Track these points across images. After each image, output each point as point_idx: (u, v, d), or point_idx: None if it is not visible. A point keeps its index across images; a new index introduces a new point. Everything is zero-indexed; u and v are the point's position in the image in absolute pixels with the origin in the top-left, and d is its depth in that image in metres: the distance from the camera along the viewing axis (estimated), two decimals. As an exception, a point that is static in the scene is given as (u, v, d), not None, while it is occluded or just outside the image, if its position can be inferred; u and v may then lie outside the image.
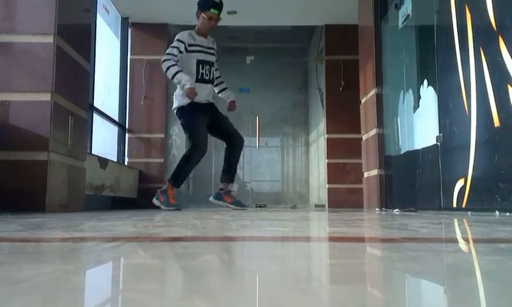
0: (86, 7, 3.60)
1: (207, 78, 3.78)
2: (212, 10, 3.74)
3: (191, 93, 3.57)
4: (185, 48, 3.68)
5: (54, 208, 2.89)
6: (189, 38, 3.71)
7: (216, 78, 3.97)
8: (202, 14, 3.77)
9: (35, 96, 2.86)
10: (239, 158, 3.96)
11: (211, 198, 3.93)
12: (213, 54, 3.88)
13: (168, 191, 3.70)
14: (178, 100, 3.74)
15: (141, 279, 0.54)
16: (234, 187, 3.88)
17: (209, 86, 3.83)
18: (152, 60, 6.02)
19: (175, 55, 3.62)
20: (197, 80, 3.71)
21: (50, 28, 2.92)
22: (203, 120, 3.73)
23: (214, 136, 4.00)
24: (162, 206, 3.65)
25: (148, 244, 0.91)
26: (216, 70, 3.96)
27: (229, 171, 3.92)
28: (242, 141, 3.94)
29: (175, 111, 3.81)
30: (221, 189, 3.90)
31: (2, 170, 2.75)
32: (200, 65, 3.75)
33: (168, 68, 3.58)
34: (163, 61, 3.61)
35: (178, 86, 3.69)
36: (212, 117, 3.81)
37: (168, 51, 3.67)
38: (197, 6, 3.82)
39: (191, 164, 3.77)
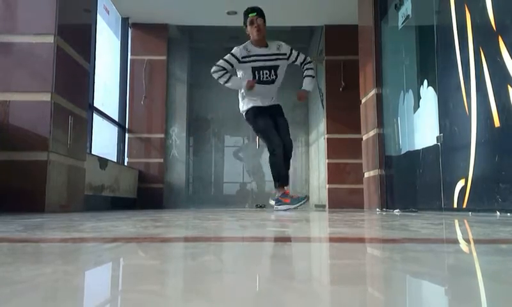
0: (86, 7, 3.60)
1: (266, 79, 3.97)
2: (250, 15, 4.00)
3: (250, 85, 3.83)
4: (238, 61, 3.94)
5: (54, 208, 2.88)
6: (243, 51, 3.96)
7: (303, 64, 4.17)
8: (247, 25, 4.04)
9: (35, 96, 2.86)
10: (288, 163, 4.07)
11: (274, 204, 4.00)
12: (276, 59, 4.03)
13: (285, 192, 3.89)
14: (242, 104, 4.01)
15: (141, 280, 0.54)
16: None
17: (270, 86, 4.00)
18: (152, 60, 6.02)
19: (224, 69, 3.88)
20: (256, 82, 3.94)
21: (51, 28, 2.92)
22: (267, 119, 3.94)
23: None
24: (292, 206, 3.80)
25: (148, 245, 0.91)
26: (304, 61, 4.16)
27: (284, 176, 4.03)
28: (291, 146, 4.10)
29: (244, 114, 4.06)
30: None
31: (1, 170, 2.75)
32: (256, 71, 3.96)
33: (219, 78, 3.90)
34: (212, 72, 3.90)
35: (238, 90, 3.97)
36: (272, 117, 3.99)
37: (218, 63, 3.92)
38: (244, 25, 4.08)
39: (278, 161, 3.94)
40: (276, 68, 4.01)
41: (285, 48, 4.11)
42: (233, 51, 3.95)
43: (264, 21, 4.05)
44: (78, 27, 3.43)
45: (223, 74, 3.87)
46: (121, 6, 5.68)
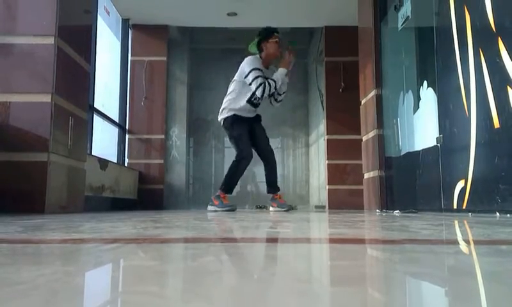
0: (87, 8, 3.60)
1: (255, 102, 3.97)
2: (276, 33, 4.05)
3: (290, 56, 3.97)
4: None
5: (54, 209, 2.88)
6: (260, 65, 3.94)
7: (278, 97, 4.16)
8: (269, 40, 4.01)
9: (35, 97, 2.86)
10: (275, 172, 4.10)
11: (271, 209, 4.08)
12: None
13: (221, 195, 3.93)
14: (224, 112, 4.00)
15: (141, 281, 0.54)
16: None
17: (255, 109, 4.04)
18: (152, 61, 6.03)
19: (263, 77, 3.85)
20: (248, 101, 3.93)
21: (51, 29, 2.92)
22: (244, 129, 3.96)
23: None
24: (218, 209, 3.85)
25: (147, 246, 0.91)
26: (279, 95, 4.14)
27: (270, 185, 4.07)
28: (273, 155, 4.10)
29: (222, 122, 4.06)
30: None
31: (2, 171, 2.75)
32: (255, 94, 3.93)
33: (263, 90, 3.81)
34: (257, 89, 3.81)
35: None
36: (252, 125, 4.03)
37: (254, 78, 3.81)
38: (261, 39, 4.04)
39: (239, 172, 3.99)
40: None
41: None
42: (254, 65, 3.87)
43: None
44: (78, 28, 3.43)
45: (264, 82, 3.81)
46: (122, 7, 5.68)
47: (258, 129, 4.06)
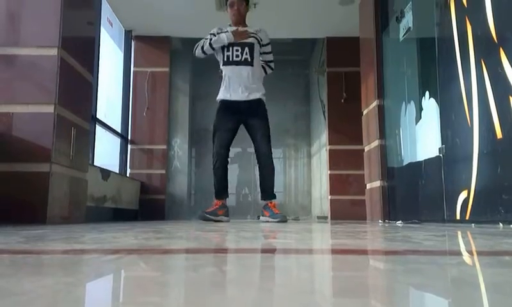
0: (90, 20, 3.64)
1: (237, 59, 3.58)
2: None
3: (232, 36, 3.56)
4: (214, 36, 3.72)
5: (55, 219, 2.88)
6: (218, 29, 3.77)
7: (267, 63, 3.86)
8: (227, 7, 3.88)
9: (38, 108, 2.88)
10: (264, 176, 3.71)
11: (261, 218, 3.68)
12: (250, 37, 3.66)
13: (214, 203, 3.60)
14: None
15: (142, 292, 0.54)
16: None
17: (241, 68, 3.57)
18: (154, 72, 6.07)
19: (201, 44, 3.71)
20: (224, 64, 3.65)
21: (54, 41, 2.95)
22: (228, 122, 3.58)
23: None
24: (224, 219, 3.54)
25: (149, 256, 0.91)
26: (267, 53, 3.80)
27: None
28: (266, 157, 3.70)
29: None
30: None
31: (4, 181, 2.76)
32: (225, 47, 3.62)
33: (198, 48, 3.66)
34: (194, 50, 3.72)
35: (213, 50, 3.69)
36: (245, 119, 3.62)
37: (198, 43, 3.76)
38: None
39: (217, 173, 3.57)
40: (250, 46, 3.60)
41: (263, 35, 3.77)
42: (211, 30, 3.81)
43: (247, 3, 3.81)
44: (81, 39, 3.46)
45: (200, 45, 3.67)
46: (125, 18, 5.74)
47: (254, 121, 3.78)
